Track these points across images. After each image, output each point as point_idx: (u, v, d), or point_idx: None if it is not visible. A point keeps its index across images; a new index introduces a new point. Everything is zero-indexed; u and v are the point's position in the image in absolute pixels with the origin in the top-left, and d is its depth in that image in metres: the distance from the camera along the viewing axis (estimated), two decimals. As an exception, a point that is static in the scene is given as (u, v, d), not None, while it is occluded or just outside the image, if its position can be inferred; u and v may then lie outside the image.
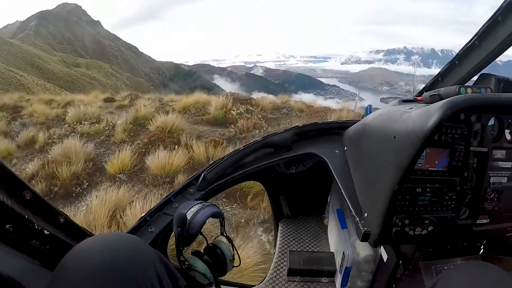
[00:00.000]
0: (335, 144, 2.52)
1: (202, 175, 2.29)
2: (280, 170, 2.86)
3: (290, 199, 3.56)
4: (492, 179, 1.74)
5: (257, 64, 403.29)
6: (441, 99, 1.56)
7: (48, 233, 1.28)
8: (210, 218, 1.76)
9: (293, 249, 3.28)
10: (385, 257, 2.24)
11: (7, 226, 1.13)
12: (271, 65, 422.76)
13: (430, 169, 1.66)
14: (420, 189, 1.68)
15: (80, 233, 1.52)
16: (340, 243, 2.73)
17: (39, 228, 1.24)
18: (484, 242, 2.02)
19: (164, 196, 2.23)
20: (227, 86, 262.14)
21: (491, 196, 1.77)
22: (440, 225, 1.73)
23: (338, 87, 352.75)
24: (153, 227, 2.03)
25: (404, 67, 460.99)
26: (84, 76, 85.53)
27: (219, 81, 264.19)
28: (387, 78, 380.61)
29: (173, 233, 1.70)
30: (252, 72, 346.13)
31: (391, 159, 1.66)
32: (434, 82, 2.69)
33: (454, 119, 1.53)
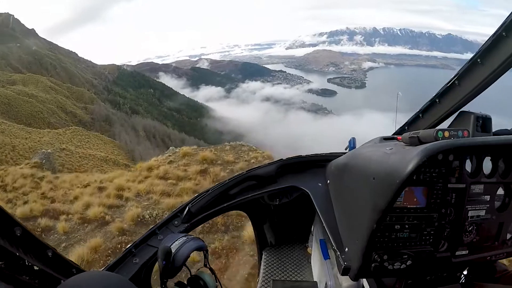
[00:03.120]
0: (319, 177, 2.64)
1: (187, 208, 2.38)
2: (264, 202, 3.00)
3: (274, 228, 3.75)
4: (470, 213, 1.79)
5: (202, 57, 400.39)
6: (420, 141, 1.63)
7: (37, 268, 1.29)
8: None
9: (276, 278, 3.51)
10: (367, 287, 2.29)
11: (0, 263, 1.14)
12: (216, 57, 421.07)
13: (408, 206, 1.71)
14: (398, 226, 1.73)
15: (67, 267, 1.54)
16: (323, 273, 2.85)
17: (29, 264, 1.25)
18: (465, 271, 2.10)
19: (149, 228, 2.31)
20: (174, 82, 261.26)
21: (470, 229, 1.82)
22: (419, 259, 1.78)
23: (285, 72, 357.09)
24: (137, 259, 2.08)
25: (348, 47, 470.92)
26: (21, 95, 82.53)
27: (165, 79, 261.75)
28: (333, 59, 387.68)
29: (157, 264, 1.71)
30: (197, 65, 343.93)
31: (370, 199, 1.71)
32: (416, 119, 2.82)
33: (432, 160, 1.54)
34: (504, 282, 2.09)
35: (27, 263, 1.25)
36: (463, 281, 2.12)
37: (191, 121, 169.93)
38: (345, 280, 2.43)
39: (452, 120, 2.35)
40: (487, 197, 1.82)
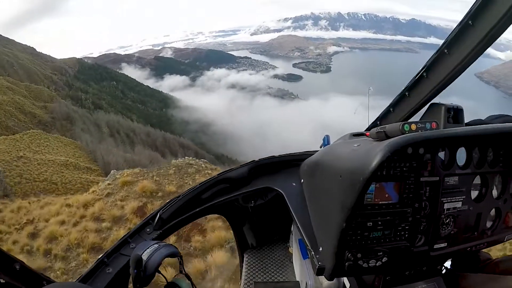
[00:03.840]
0: (293, 176, 2.61)
1: (158, 214, 2.36)
2: (239, 204, 2.99)
3: (254, 230, 3.67)
4: (446, 205, 1.77)
5: (166, 46, 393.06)
6: (386, 136, 1.62)
7: (3, 281, 1.25)
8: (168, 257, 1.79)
9: (258, 280, 3.43)
10: (347, 285, 2.28)
11: None
12: (180, 45, 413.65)
13: (380, 203, 1.68)
14: (371, 223, 1.69)
15: (37, 279, 1.52)
16: (303, 272, 2.82)
17: None
18: (448, 263, 2.08)
19: (121, 237, 2.28)
20: (137, 73, 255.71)
21: (447, 222, 1.81)
22: (395, 255, 1.75)
23: (250, 58, 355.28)
24: (110, 268, 2.06)
25: (312, 32, 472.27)
26: (-25, 100, 77.84)
27: (128, 70, 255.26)
28: (297, 44, 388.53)
29: None
30: (161, 55, 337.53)
31: (338, 198, 1.69)
32: (387, 113, 2.81)
33: (402, 154, 1.53)
34: (488, 271, 2.06)
35: None
36: (445, 273, 2.09)
37: (157, 113, 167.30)
38: (325, 279, 2.31)
39: (424, 112, 2.33)
40: (463, 188, 1.81)
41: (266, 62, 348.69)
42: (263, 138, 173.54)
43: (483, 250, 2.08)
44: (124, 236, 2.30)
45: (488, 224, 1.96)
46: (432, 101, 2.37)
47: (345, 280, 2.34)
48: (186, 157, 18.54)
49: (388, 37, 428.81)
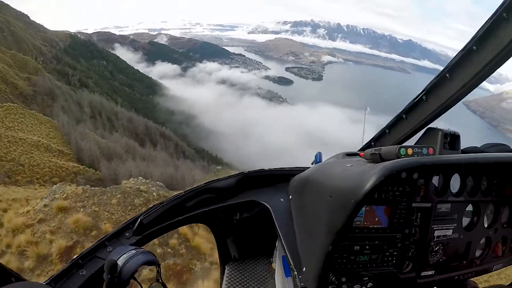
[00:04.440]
0: (281, 192, 2.54)
1: (139, 219, 2.27)
2: (224, 215, 2.93)
3: (237, 242, 3.53)
4: (436, 233, 1.74)
5: (162, 32, 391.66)
6: (381, 158, 1.58)
7: None
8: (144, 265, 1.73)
9: None
10: None
11: None
12: (177, 33, 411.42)
13: (369, 226, 1.65)
14: (358, 247, 1.66)
15: (5, 275, 1.47)
16: None
17: None
18: None
19: (98, 239, 2.22)
20: (129, 56, 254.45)
21: (436, 249, 1.78)
22: (380, 280, 1.72)
23: (244, 56, 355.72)
24: (84, 271, 1.99)
25: (309, 39, 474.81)
26: (-43, 65, 74.07)
27: (120, 51, 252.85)
28: (293, 49, 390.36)
29: None
30: (156, 40, 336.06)
31: (326, 218, 1.65)
32: (382, 134, 2.73)
33: (395, 178, 1.50)
34: None
35: None
36: None
37: (143, 98, 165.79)
38: None
39: (419, 136, 2.23)
40: (455, 216, 1.79)
41: (260, 62, 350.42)
42: (245, 138, 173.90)
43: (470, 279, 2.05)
44: (102, 238, 2.22)
45: (478, 253, 1.94)
46: (428, 126, 2.27)
47: None
48: (139, 178, 17.09)
49: (383, 54, 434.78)
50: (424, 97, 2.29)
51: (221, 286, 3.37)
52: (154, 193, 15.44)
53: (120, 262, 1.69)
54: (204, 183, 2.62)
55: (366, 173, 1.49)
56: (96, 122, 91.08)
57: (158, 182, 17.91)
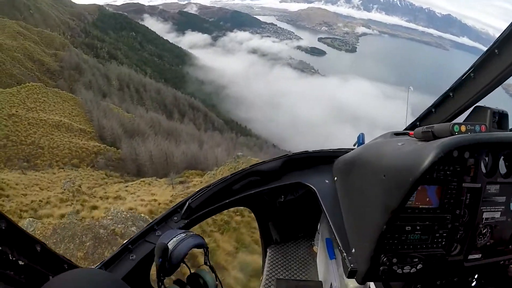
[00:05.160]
0: (326, 173, 2.53)
1: (187, 203, 2.29)
2: (268, 198, 2.90)
3: (279, 225, 3.46)
4: (485, 215, 1.70)
5: (191, 1, 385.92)
6: (434, 136, 1.56)
7: (22, 263, 1.24)
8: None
9: (280, 277, 3.27)
10: None
11: None
12: (207, 2, 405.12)
13: (420, 206, 1.62)
14: (409, 227, 1.63)
15: (58, 262, 1.48)
16: (329, 273, 2.73)
17: (14, 259, 1.21)
18: (476, 276, 1.98)
19: (147, 224, 2.22)
20: (158, 26, 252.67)
21: (484, 232, 1.73)
22: (430, 262, 1.69)
23: (276, 25, 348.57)
24: (134, 255, 2.01)
25: (343, 9, 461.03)
26: (-17, 45, 73.63)
27: (149, 21, 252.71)
28: (326, 19, 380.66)
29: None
30: (185, 9, 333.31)
31: (380, 198, 1.64)
32: (428, 114, 2.64)
33: (447, 156, 1.47)
34: None
35: (11, 258, 1.21)
36: (476, 287, 2.04)
37: (172, 69, 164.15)
38: (351, 282, 2.36)
39: (467, 115, 2.20)
40: (503, 198, 1.75)
41: (292, 32, 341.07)
42: (275, 109, 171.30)
43: None
44: (151, 223, 2.26)
45: None
46: (476, 104, 2.26)
47: (372, 284, 2.31)
48: (120, 211, 15.28)
49: (421, 28, 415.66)
50: (472, 74, 2.24)
51: (263, 268, 3.48)
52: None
53: (170, 245, 1.72)
54: (250, 166, 2.66)
55: (423, 151, 1.47)
56: (124, 94, 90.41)
57: (142, 215, 16.02)
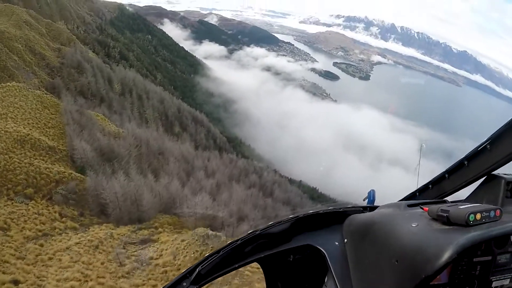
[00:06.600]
0: (335, 234, 2.56)
1: (197, 270, 2.30)
2: (277, 257, 2.81)
3: (286, 282, 3.17)
4: (494, 283, 1.72)
5: (213, 12, 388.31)
6: (449, 221, 1.57)
7: None
8: None
9: None
10: None
11: None
12: (228, 14, 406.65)
13: (430, 284, 1.61)
14: None
15: None
16: None
17: None
18: None
19: None
20: (176, 32, 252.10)
21: None
22: None
23: (293, 45, 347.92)
24: None
25: (361, 36, 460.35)
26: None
27: (169, 27, 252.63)
28: (343, 44, 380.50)
29: None
30: (206, 19, 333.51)
31: (391, 281, 1.63)
32: (441, 179, 2.63)
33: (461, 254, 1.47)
34: None
35: None
36: None
37: (184, 77, 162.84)
38: None
39: (480, 183, 2.30)
40: None
41: (308, 53, 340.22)
42: (282, 129, 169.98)
43: None
44: None
45: None
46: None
47: None
48: None
49: (436, 62, 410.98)
50: (488, 146, 2.23)
51: None
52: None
53: None
54: (260, 230, 2.65)
55: (437, 244, 1.48)
56: (125, 100, 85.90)
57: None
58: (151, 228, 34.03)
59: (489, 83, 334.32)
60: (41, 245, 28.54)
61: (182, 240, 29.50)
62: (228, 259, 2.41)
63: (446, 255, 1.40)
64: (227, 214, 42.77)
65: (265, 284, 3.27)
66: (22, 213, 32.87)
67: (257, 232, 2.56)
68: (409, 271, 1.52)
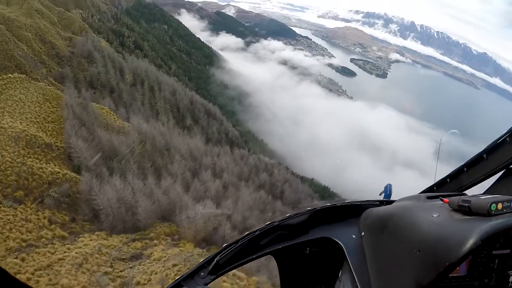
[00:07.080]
0: (353, 227, 2.56)
1: (215, 260, 2.32)
2: (293, 249, 2.85)
3: (300, 275, 3.24)
4: None
5: (231, 3, 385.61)
6: (470, 211, 1.54)
7: None
8: None
9: None
10: None
11: None
12: (246, 6, 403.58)
13: (449, 275, 1.61)
14: None
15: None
16: None
17: None
18: None
19: (175, 280, 2.26)
20: (193, 23, 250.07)
21: None
22: None
23: (310, 39, 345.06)
24: None
25: (380, 33, 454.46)
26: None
27: (185, 17, 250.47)
28: (361, 40, 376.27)
29: None
30: (223, 10, 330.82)
31: (412, 272, 1.62)
32: (459, 172, 2.64)
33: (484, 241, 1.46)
34: None
35: None
36: None
37: (199, 68, 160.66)
38: None
39: (499, 176, 2.29)
40: None
41: (325, 48, 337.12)
42: (296, 125, 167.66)
43: None
44: (178, 279, 2.30)
45: None
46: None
47: None
48: None
49: (454, 63, 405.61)
50: (508, 139, 2.25)
51: None
52: None
53: None
54: (278, 221, 2.67)
55: (460, 233, 1.46)
56: (136, 91, 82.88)
57: None
58: (145, 239, 31.86)
59: (508, 87, 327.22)
60: (23, 260, 26.73)
61: (174, 265, 27.68)
62: (245, 250, 2.41)
63: (470, 242, 1.37)
64: (229, 226, 39.73)
65: (278, 278, 3.28)
66: (8, 219, 31.07)
67: (275, 223, 2.55)
68: (432, 260, 1.50)
